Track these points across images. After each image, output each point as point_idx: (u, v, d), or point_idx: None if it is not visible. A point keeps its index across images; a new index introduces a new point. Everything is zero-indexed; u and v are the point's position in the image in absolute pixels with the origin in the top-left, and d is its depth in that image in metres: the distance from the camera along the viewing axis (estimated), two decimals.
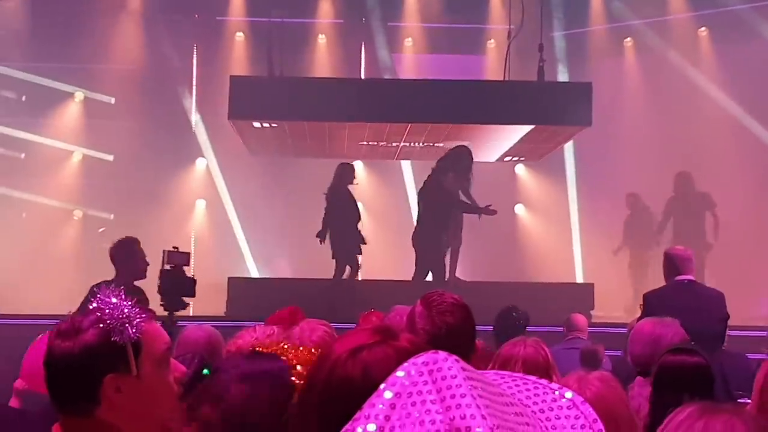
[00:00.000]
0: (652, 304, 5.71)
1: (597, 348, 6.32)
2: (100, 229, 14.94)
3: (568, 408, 1.05)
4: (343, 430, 0.88)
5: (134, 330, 1.88)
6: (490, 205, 10.89)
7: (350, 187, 11.42)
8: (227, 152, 14.19)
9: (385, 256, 14.51)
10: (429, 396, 0.85)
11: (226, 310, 10.50)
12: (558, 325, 7.46)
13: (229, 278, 11.14)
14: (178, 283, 6.81)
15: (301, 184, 14.59)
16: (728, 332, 5.81)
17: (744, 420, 1.30)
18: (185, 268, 6.90)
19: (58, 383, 1.92)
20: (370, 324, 3.32)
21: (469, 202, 11.01)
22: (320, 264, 13.80)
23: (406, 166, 14.93)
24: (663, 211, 12.65)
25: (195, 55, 14.55)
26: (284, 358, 1.82)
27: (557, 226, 14.85)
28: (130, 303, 1.91)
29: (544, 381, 1.10)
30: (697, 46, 14.35)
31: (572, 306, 8.27)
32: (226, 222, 14.88)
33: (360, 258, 11.49)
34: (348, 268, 11.34)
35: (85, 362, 1.88)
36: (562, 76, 14.16)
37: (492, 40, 14.95)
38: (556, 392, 1.08)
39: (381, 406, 0.87)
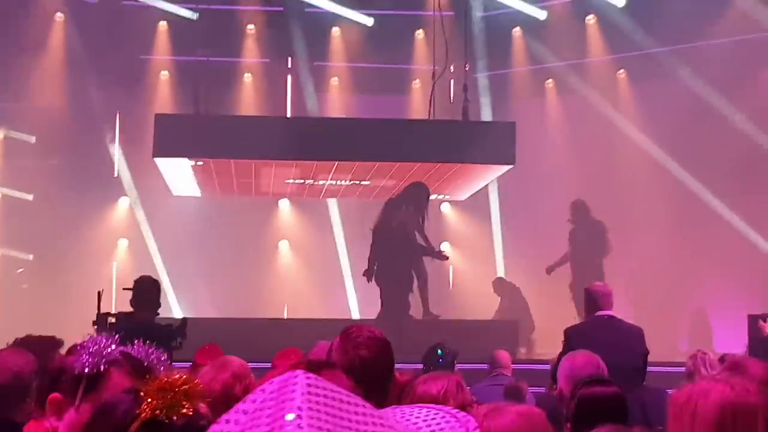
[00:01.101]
0: (572, 338, 5.76)
1: (520, 384, 6.35)
2: (19, 270, 14.60)
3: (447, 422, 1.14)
4: None
5: (88, 366, 1.94)
6: (442, 251, 10.93)
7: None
8: (150, 191, 14.00)
9: (312, 294, 14.45)
10: (268, 410, 0.92)
11: None
12: (484, 362, 7.49)
13: None
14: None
15: (226, 222, 14.50)
16: (648, 368, 5.89)
17: None
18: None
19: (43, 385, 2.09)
20: (288, 361, 3.34)
21: (424, 243, 10.97)
22: (244, 303, 13.69)
23: (332, 204, 14.93)
24: (568, 241, 12.71)
25: (119, 94, 14.35)
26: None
27: (482, 263, 14.98)
28: (113, 347, 1.97)
29: (447, 408, 1.18)
30: (615, 87, 14.72)
31: (497, 343, 8.32)
32: (148, 261, 14.65)
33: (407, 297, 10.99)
34: (382, 305, 10.81)
35: (55, 375, 2.02)
36: (486, 116, 14.37)
37: (417, 80, 15.12)
38: (447, 415, 1.16)
39: (227, 421, 0.95)
